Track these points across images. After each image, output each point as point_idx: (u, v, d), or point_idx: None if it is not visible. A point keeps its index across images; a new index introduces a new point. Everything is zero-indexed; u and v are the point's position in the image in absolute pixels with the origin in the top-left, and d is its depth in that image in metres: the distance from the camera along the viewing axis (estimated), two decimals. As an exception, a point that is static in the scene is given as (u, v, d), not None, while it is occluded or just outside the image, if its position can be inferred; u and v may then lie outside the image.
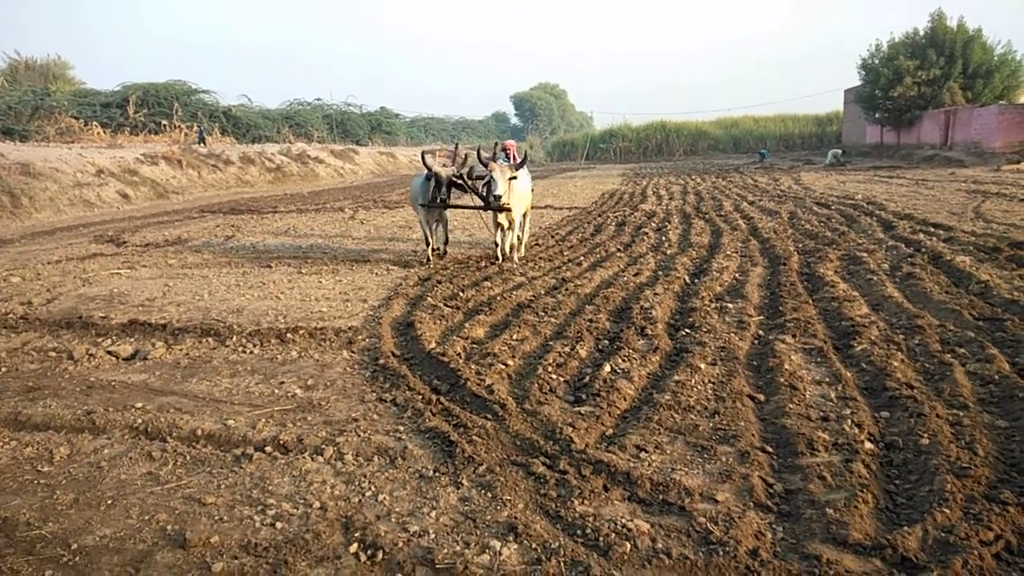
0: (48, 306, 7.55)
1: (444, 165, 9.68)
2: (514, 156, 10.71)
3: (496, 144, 10.49)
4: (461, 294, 7.56)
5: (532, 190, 10.71)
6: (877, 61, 37.04)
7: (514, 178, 8.83)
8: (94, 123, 29.62)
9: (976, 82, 34.16)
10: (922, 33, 35.45)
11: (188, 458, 3.87)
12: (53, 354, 5.82)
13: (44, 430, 4.28)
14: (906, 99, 35.29)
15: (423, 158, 9.42)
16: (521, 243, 9.96)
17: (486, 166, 8.92)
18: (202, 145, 30.33)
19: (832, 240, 10.21)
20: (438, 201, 9.24)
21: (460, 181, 9.48)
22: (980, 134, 30.69)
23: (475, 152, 9.66)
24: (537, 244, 11.46)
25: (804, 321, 5.93)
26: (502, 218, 9.11)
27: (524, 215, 9.93)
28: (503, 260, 9.35)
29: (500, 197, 8.57)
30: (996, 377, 4.49)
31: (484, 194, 9.08)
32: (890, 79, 35.43)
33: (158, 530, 3.15)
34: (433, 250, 9.95)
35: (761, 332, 5.89)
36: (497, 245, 9.47)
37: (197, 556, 2.93)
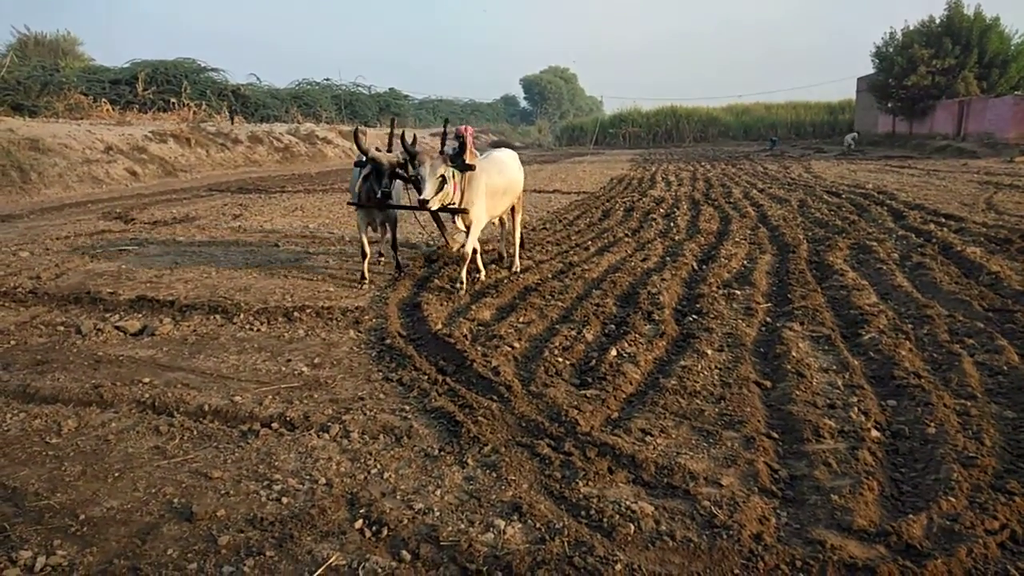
0: (56, 281, 7.58)
1: (379, 149, 7.44)
2: (471, 149, 8.09)
3: (445, 128, 8.12)
4: (468, 276, 7.55)
5: (523, 181, 8.40)
6: (891, 49, 36.65)
7: (455, 171, 6.56)
8: (103, 100, 29.57)
9: (992, 72, 33.78)
10: (938, 21, 35.02)
11: (195, 433, 3.89)
12: (61, 328, 5.84)
13: (52, 403, 4.30)
14: (920, 88, 34.92)
15: (356, 137, 7.00)
16: (515, 246, 8.08)
17: (413, 158, 6.48)
18: (232, 123, 30.40)
19: (842, 229, 10.14)
20: (379, 196, 6.90)
21: (405, 173, 7.07)
22: (994, 125, 30.36)
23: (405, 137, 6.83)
24: (545, 228, 11.43)
25: (812, 309, 5.90)
26: (459, 221, 7.00)
27: (514, 211, 8.01)
28: (463, 274, 7.02)
29: (426, 201, 6.17)
30: (1005, 368, 4.46)
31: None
32: (904, 68, 35.06)
33: (165, 503, 3.17)
34: (373, 263, 7.96)
35: (769, 319, 5.87)
36: (462, 257, 7.11)
37: (204, 529, 2.95)
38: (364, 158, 6.97)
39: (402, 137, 6.76)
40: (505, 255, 8.51)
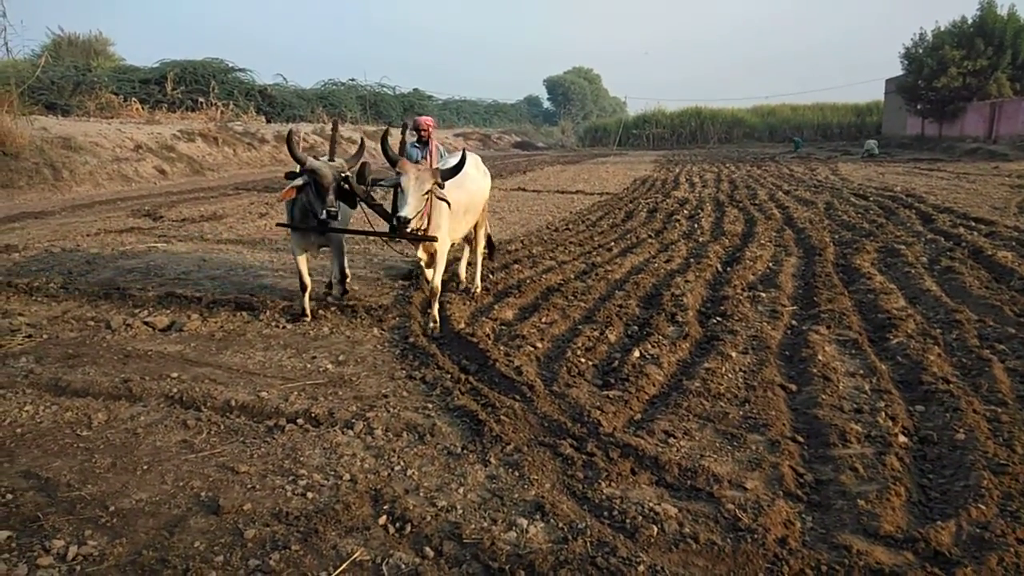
0: (87, 277, 7.71)
1: (318, 157, 5.88)
2: (433, 147, 7.42)
3: (405, 126, 7.41)
4: (491, 276, 7.56)
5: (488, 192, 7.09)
6: (921, 50, 36.07)
7: (440, 185, 5.34)
8: (133, 99, 30.04)
9: (1025, 73, 33.12)
10: (970, 22, 34.39)
11: (222, 427, 3.95)
12: (92, 323, 5.95)
13: (83, 396, 4.39)
14: (950, 90, 34.33)
15: (289, 141, 5.64)
16: (477, 266, 6.99)
17: (393, 164, 5.32)
18: (268, 123, 30.89)
19: (869, 232, 10.02)
20: (323, 217, 5.53)
21: (357, 188, 5.87)
22: (1027, 128, 29.75)
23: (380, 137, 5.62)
24: (568, 229, 11.42)
25: (839, 312, 5.84)
26: (420, 250, 5.75)
27: (477, 227, 6.81)
28: (435, 311, 5.86)
29: (406, 220, 5.04)
30: (1037, 374, 4.38)
31: (391, 212, 5.60)
32: (934, 69, 34.48)
33: (192, 496, 3.22)
34: (315, 296, 6.42)
35: (794, 322, 5.82)
36: (427, 282, 6.00)
37: (230, 522, 2.99)
38: (302, 169, 5.59)
39: (384, 139, 5.49)
40: (463, 276, 7.22)
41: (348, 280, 6.86)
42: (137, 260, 8.67)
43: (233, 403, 4.23)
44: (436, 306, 5.87)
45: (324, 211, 5.49)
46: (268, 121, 32.19)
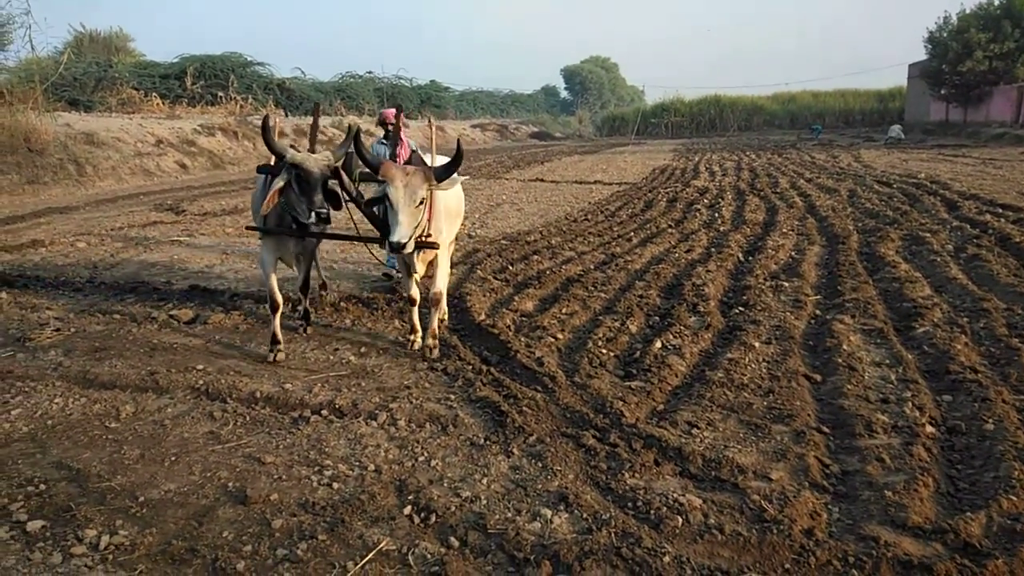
0: (112, 271, 7.82)
1: (294, 147, 5.15)
2: (404, 145, 6.43)
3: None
4: (510, 267, 7.56)
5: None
6: (946, 34, 35.40)
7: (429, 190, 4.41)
8: (153, 94, 30.31)
9: (1054, 56, 32.41)
10: (996, 4, 33.69)
11: (248, 419, 3.99)
12: (118, 317, 6.03)
13: (111, 388, 4.45)
14: (975, 74, 33.69)
15: (265, 129, 4.72)
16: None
17: (375, 170, 4.44)
18: (286, 117, 31.03)
19: (893, 219, 9.88)
20: (310, 220, 4.64)
21: (348, 183, 5.20)
22: (1055, 111, 29.15)
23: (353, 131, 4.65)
24: (586, 219, 11.38)
25: (864, 301, 5.77)
26: (418, 260, 4.92)
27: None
28: (432, 320, 5.00)
29: (400, 246, 4.18)
30: (1068, 363, 4.30)
31: (378, 214, 4.90)
32: (959, 53, 33.84)
33: (220, 486, 3.26)
34: (288, 313, 5.72)
35: (818, 312, 5.76)
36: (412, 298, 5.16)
37: (258, 512, 3.02)
38: (280, 162, 4.72)
39: (356, 137, 4.54)
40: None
41: (326, 292, 6.28)
42: (161, 254, 8.77)
43: (258, 395, 4.27)
44: (436, 321, 5.03)
45: (312, 213, 4.56)
46: (286, 115, 32.33)
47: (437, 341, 5.00)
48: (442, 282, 5.10)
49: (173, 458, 3.55)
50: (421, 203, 4.34)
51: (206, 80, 33.61)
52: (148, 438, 3.78)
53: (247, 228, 5.57)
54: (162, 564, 2.69)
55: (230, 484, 3.27)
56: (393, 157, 6.26)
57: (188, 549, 2.77)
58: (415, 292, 5.13)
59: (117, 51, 37.79)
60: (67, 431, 3.85)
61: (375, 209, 4.87)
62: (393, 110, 6.52)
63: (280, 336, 5.03)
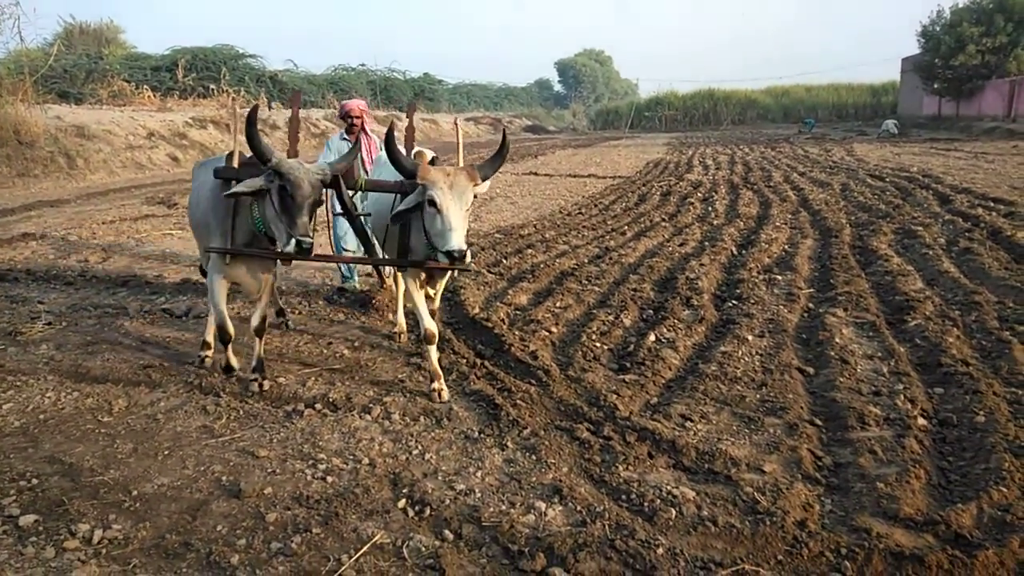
0: (104, 264, 7.78)
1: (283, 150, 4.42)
2: (372, 141, 6.07)
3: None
4: (504, 261, 7.56)
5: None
6: (938, 28, 35.49)
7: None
8: (144, 87, 30.11)
9: (1046, 50, 32.53)
10: (989, -2, 33.79)
11: (241, 413, 3.98)
12: (110, 310, 6.00)
13: (103, 382, 4.43)
14: (968, 68, 33.79)
15: (252, 126, 3.73)
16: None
17: (410, 175, 3.77)
18: (270, 110, 30.70)
19: (886, 213, 9.92)
20: (289, 248, 3.67)
21: (348, 200, 4.30)
22: (1047, 105, 29.27)
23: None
24: (580, 213, 11.38)
25: (856, 295, 5.79)
26: (440, 281, 4.50)
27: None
28: (429, 355, 4.20)
29: (463, 255, 3.55)
30: (1059, 356, 4.33)
31: (402, 237, 4.12)
32: (952, 47, 33.94)
33: (213, 480, 3.25)
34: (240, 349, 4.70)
35: (811, 305, 5.78)
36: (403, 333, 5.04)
37: (251, 506, 3.02)
38: (267, 168, 3.74)
39: (389, 135, 3.79)
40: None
41: (286, 319, 5.39)
42: (153, 247, 8.73)
43: (252, 388, 4.26)
44: (435, 355, 4.23)
45: (294, 241, 3.60)
46: (270, 107, 31.99)
47: (442, 380, 4.19)
48: (436, 302, 4.60)
49: (166, 452, 3.54)
50: (468, 209, 3.75)
51: (198, 72, 33.40)
52: (141, 432, 3.77)
53: (207, 250, 4.16)
54: (156, 558, 2.69)
55: (224, 478, 3.27)
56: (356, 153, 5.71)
57: (182, 543, 2.76)
58: (433, 326, 4.19)
59: (108, 43, 37.46)
60: (59, 425, 3.83)
61: (387, 225, 4.26)
62: (359, 101, 6.07)
63: (235, 365, 4.38)
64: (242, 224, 4.05)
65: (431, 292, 4.49)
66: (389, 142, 3.79)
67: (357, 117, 6.00)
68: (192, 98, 31.21)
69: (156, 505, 3.05)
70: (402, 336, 5.05)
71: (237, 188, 3.78)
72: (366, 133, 6.08)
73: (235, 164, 4.03)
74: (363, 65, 48.36)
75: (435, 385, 4.14)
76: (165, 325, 5.62)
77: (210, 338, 4.75)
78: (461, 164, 3.89)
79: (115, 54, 34.43)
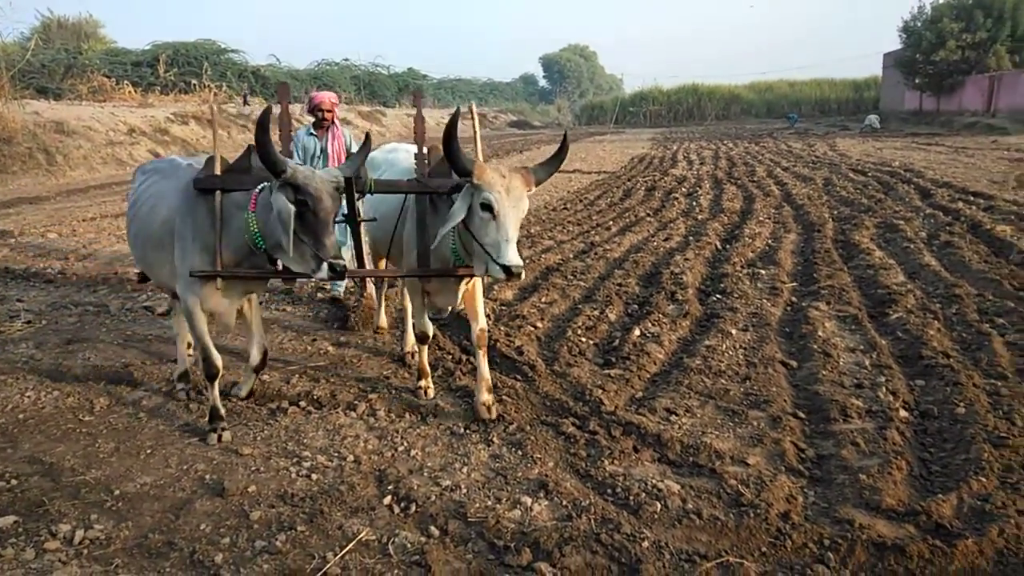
0: (84, 262, 7.69)
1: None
2: (339, 136, 5.63)
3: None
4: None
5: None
6: (919, 24, 35.78)
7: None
8: (125, 82, 29.75)
9: (1024, 46, 32.92)
10: (969, -6, 34.11)
11: (225, 410, 3.94)
12: (91, 308, 5.93)
13: (84, 381, 4.38)
14: (948, 63, 34.11)
15: (265, 132, 3.07)
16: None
17: (465, 173, 3.23)
18: (246, 105, 30.36)
19: (868, 207, 9.99)
20: (320, 275, 3.16)
21: (360, 210, 3.95)
22: (1025, 100, 29.61)
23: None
24: (566, 208, 11.38)
25: (839, 288, 5.84)
26: (465, 288, 3.89)
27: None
28: (481, 367, 3.84)
29: (519, 270, 3.14)
30: (1037, 348, 4.39)
31: (422, 244, 3.70)
32: (932, 43, 34.23)
33: (197, 479, 3.23)
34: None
35: (794, 299, 5.82)
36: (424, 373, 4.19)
37: (235, 504, 3.00)
38: (282, 176, 3.10)
39: (451, 127, 3.16)
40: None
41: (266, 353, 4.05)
42: (134, 244, 8.63)
43: (235, 385, 4.22)
44: (486, 366, 3.87)
45: (326, 265, 3.10)
46: (245, 102, 31.62)
47: (491, 403, 3.81)
48: (483, 313, 4.02)
49: (149, 451, 3.51)
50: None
51: (179, 67, 33.08)
52: (123, 431, 3.73)
53: (193, 274, 3.44)
54: (139, 558, 2.66)
55: (207, 476, 3.24)
56: (324, 153, 5.55)
57: (165, 542, 2.74)
58: (429, 327, 4.11)
59: (87, 37, 37.00)
60: (39, 425, 3.78)
61: (392, 232, 3.96)
62: (329, 94, 5.60)
63: (222, 409, 3.73)
64: (232, 241, 3.46)
65: (471, 309, 3.96)
66: (451, 132, 3.16)
67: (328, 111, 5.53)
68: (173, 93, 30.91)
69: (139, 504, 3.02)
70: (415, 355, 4.51)
71: (221, 203, 3.38)
72: (336, 128, 5.63)
73: (217, 170, 3.50)
74: (347, 60, 48.13)
75: (421, 383, 4.11)
76: (147, 323, 5.57)
77: (186, 367, 4.26)
78: (480, 157, 3.51)
79: (94, 49, 34.03)
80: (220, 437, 3.59)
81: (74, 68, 28.74)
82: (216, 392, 3.70)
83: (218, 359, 3.69)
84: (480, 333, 3.88)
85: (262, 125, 3.10)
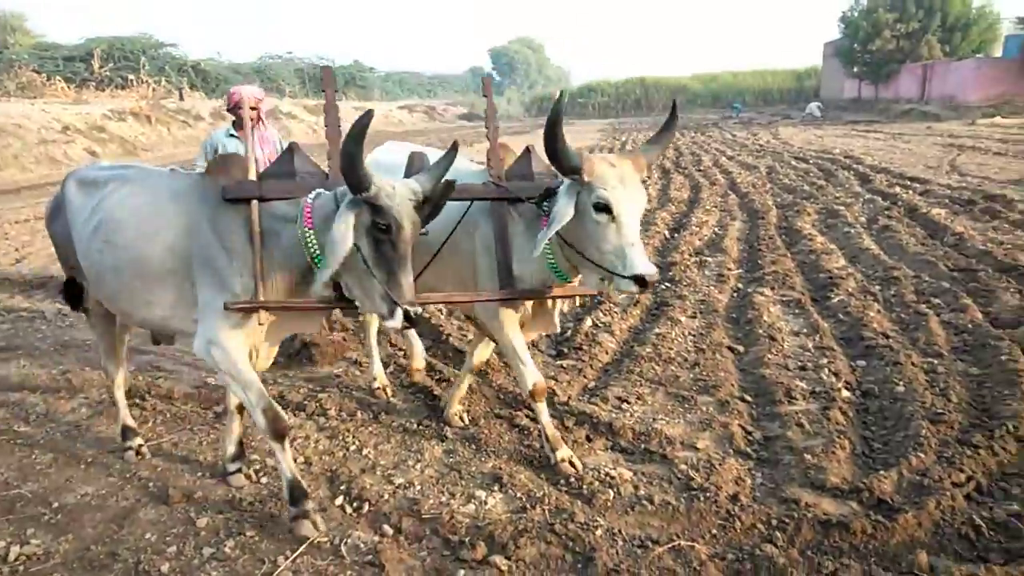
0: (18, 266, 7.38)
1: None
2: (270, 137, 4.94)
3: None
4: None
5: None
6: (857, 14, 36.84)
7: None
8: (57, 78, 28.64)
9: (954, 36, 34.21)
10: (902, -16, 35.24)
11: (168, 416, 3.84)
12: (26, 314, 5.70)
13: (19, 390, 4.21)
14: (884, 53, 35.26)
15: (354, 146, 2.31)
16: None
17: (574, 172, 2.77)
18: (180, 100, 29.46)
19: (810, 194, 10.24)
20: (394, 323, 2.45)
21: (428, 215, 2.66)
22: (956, 88, 30.79)
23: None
24: (516, 200, 11.37)
25: (782, 274, 5.98)
26: (555, 316, 3.40)
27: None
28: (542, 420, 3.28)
29: (653, 280, 2.63)
30: (969, 326, 4.56)
31: (504, 260, 3.06)
32: (869, 32, 35.32)
33: (140, 487, 3.13)
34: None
35: (740, 285, 5.94)
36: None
37: (181, 512, 2.91)
38: (361, 186, 2.40)
39: (555, 118, 2.77)
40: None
41: None
42: (70, 247, 8.31)
43: (178, 391, 4.11)
44: (548, 419, 3.28)
45: (400, 312, 2.44)
46: (181, 96, 30.69)
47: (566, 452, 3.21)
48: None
49: (89, 460, 3.39)
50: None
51: (115, 62, 32.00)
52: (61, 441, 3.59)
53: (228, 308, 2.67)
54: (80, 571, 2.57)
55: (151, 484, 3.15)
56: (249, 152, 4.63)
57: (108, 553, 2.65)
58: (541, 378, 3.26)
59: (13, 31, 35.46)
60: (-30, 438, 3.61)
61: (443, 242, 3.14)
62: (252, 88, 4.91)
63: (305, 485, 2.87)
64: (282, 263, 2.72)
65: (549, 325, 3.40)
66: (556, 121, 2.74)
67: (253, 108, 4.58)
68: (109, 89, 29.89)
69: (79, 516, 2.92)
70: (386, 390, 4.02)
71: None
72: (263, 129, 4.83)
73: (252, 175, 2.76)
74: (290, 53, 47.25)
75: (560, 455, 3.16)
76: (85, 328, 5.36)
77: (235, 447, 3.15)
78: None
79: (21, 43, 32.63)
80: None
81: (0, 63, 27.53)
82: (288, 455, 2.81)
83: (282, 412, 2.83)
84: (537, 386, 3.17)
85: (357, 135, 2.31)
